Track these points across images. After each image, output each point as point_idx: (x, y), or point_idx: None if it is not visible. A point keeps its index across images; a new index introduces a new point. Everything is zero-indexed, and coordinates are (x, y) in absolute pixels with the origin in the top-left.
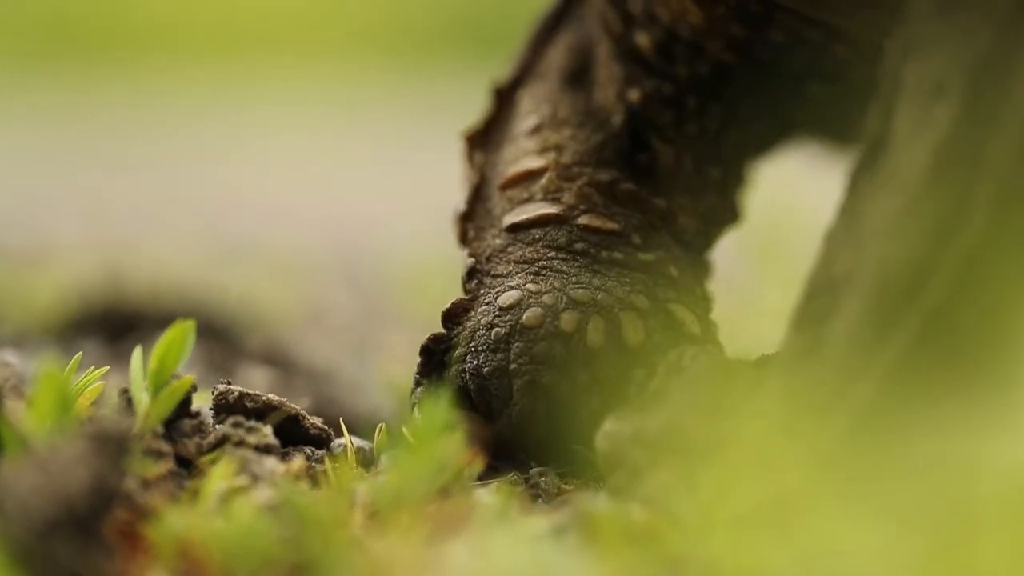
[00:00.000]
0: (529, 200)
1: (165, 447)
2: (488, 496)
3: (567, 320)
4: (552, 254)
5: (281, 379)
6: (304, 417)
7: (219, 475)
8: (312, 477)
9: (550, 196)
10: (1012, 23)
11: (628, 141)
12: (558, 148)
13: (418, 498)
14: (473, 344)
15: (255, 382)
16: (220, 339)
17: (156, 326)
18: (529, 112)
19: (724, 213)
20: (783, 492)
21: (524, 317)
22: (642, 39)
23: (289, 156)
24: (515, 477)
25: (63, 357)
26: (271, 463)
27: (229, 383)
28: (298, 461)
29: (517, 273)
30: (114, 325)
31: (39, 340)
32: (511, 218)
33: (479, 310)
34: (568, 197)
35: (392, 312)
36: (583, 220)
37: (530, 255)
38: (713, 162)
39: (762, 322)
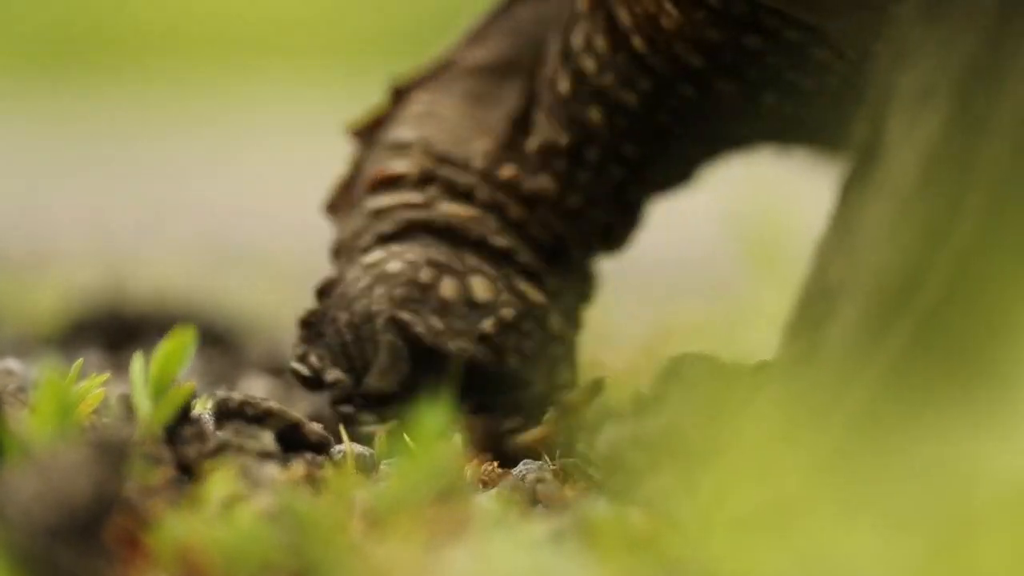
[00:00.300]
0: (395, 190)
1: (166, 453)
2: (488, 501)
3: (425, 273)
4: (413, 232)
5: (281, 387)
6: (304, 423)
7: (219, 481)
8: (313, 483)
9: (414, 187)
10: (998, 28)
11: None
12: (427, 146)
13: (418, 504)
14: (343, 300)
15: (256, 390)
16: (221, 347)
17: (157, 334)
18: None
19: (600, 239)
20: (781, 496)
21: (387, 267)
22: (564, 84)
23: (291, 163)
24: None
25: (64, 364)
26: (271, 469)
27: (230, 390)
28: (298, 467)
29: (380, 245)
30: (115, 332)
31: (40, 347)
32: (374, 203)
33: (347, 278)
34: (432, 189)
35: None
36: (443, 207)
37: (391, 229)
38: (602, 203)
39: (759, 326)
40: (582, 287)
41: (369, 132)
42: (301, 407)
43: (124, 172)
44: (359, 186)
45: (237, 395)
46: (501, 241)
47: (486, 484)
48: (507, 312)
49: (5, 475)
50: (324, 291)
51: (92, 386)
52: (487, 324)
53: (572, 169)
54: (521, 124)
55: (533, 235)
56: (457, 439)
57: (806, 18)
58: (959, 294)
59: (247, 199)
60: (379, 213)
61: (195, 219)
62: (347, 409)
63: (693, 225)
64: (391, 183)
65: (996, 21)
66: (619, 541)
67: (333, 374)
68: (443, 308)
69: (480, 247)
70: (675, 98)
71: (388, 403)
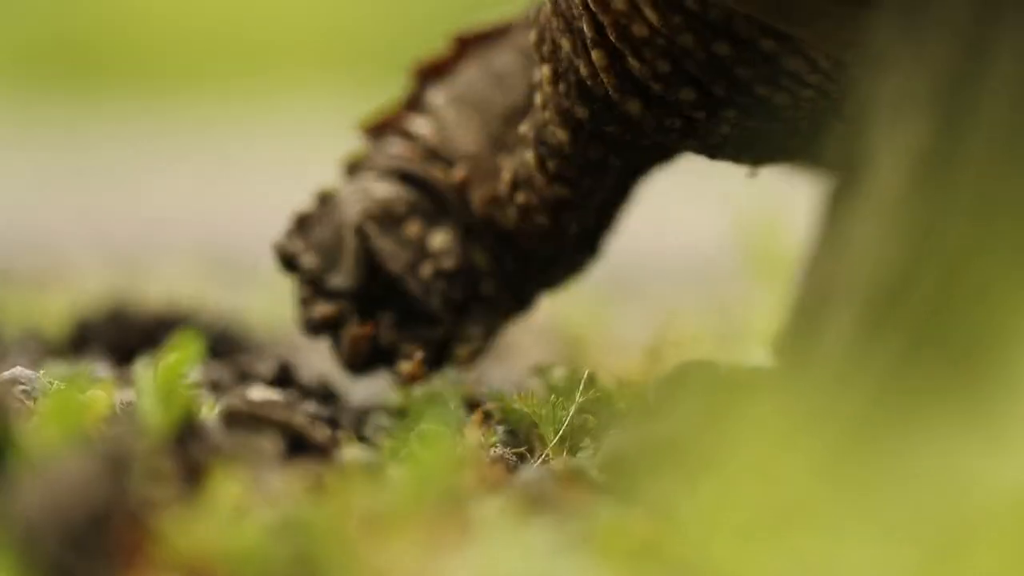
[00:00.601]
0: (410, 142)
1: (172, 462)
2: (491, 507)
3: (400, 208)
4: (409, 179)
5: (288, 396)
6: (311, 431)
7: (226, 490)
8: (319, 490)
9: (424, 151)
10: (975, 34)
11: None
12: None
13: (422, 510)
14: (333, 207)
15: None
16: (226, 356)
17: (163, 343)
18: (427, 111)
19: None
20: (781, 502)
21: (374, 191)
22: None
23: (297, 176)
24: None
25: (71, 373)
26: (278, 477)
27: (236, 398)
28: (305, 475)
29: (377, 176)
30: (121, 341)
31: (47, 356)
32: (390, 145)
33: (344, 191)
34: (434, 162)
35: None
36: (437, 174)
37: (392, 167)
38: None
39: (762, 333)
40: (544, 275)
41: (428, 74)
42: (308, 415)
43: (131, 183)
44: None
45: (244, 403)
46: (473, 219)
47: (490, 489)
48: (448, 263)
49: (13, 484)
50: (323, 199)
51: (99, 394)
52: (427, 266)
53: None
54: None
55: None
56: (462, 444)
57: (778, 26)
58: (952, 299)
59: (253, 213)
60: (390, 154)
61: (201, 230)
62: (309, 312)
63: (696, 232)
64: (409, 136)
65: (972, 27)
66: (623, 547)
67: (308, 259)
68: (403, 240)
69: (455, 215)
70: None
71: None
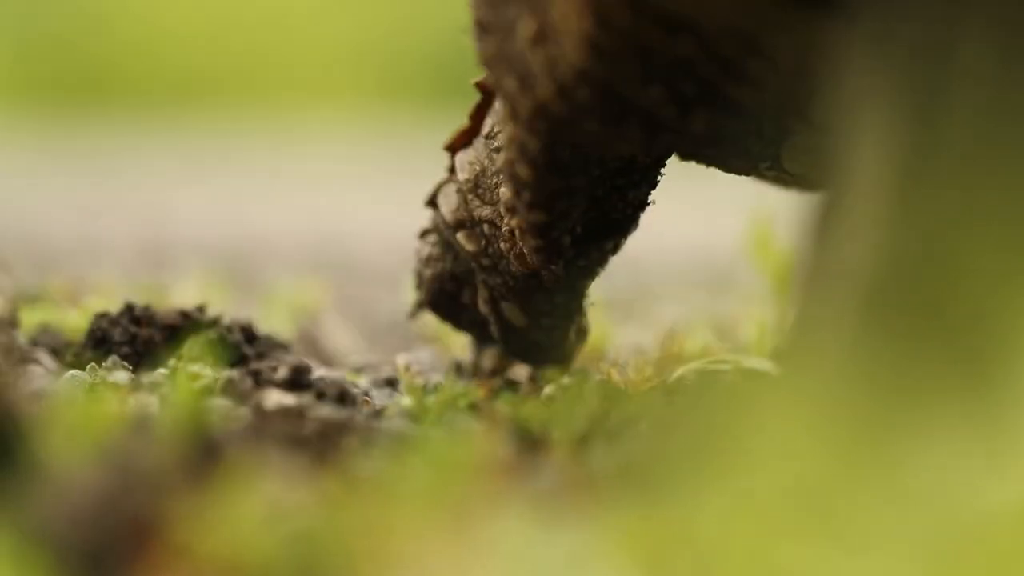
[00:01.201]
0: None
1: (191, 472)
2: (508, 515)
3: (449, 285)
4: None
5: (303, 399)
6: (331, 439)
7: (246, 500)
8: (339, 500)
9: (456, 195)
10: (943, 27)
11: None
12: (480, 167)
13: (436, 520)
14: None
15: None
16: (242, 364)
17: (180, 352)
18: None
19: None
20: (784, 512)
21: (427, 273)
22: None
23: (319, 197)
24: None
25: (89, 382)
26: (299, 487)
27: (254, 407)
28: (325, 483)
29: (436, 231)
30: (139, 351)
31: (66, 366)
32: (442, 196)
33: (421, 242)
34: (461, 211)
35: (419, 342)
36: (458, 236)
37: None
38: None
39: (774, 335)
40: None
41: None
42: (327, 422)
43: (155, 203)
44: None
45: (262, 412)
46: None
47: (503, 496)
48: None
49: (30, 495)
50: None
51: (117, 404)
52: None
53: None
54: None
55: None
56: (474, 450)
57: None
58: (947, 296)
59: (274, 233)
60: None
61: (222, 253)
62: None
63: (710, 232)
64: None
65: (941, 18)
66: (644, 552)
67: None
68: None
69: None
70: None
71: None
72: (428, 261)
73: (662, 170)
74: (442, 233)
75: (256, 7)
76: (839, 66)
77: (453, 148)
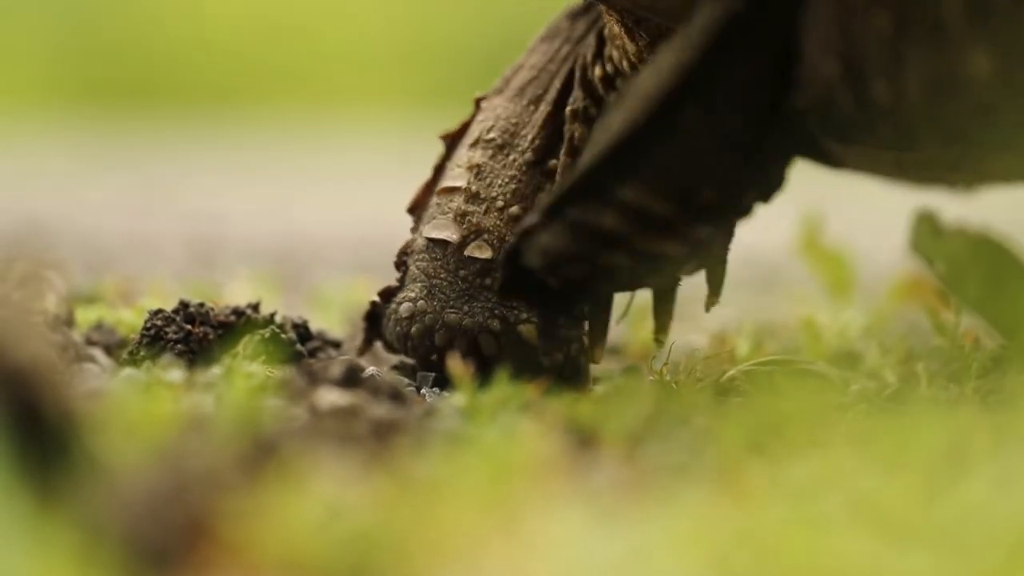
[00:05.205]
0: (445, 214)
1: (245, 470)
2: (561, 514)
3: (439, 337)
4: (443, 274)
5: (357, 398)
6: (385, 438)
7: (300, 499)
8: (393, 499)
9: (458, 218)
10: None
11: (539, 155)
12: (479, 170)
13: (497, 518)
14: (389, 325)
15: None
16: (295, 362)
17: (235, 350)
18: (478, 123)
19: None
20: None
21: (412, 329)
22: (598, 70)
23: (364, 198)
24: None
25: (145, 381)
26: (352, 487)
27: (308, 406)
28: (379, 482)
29: (418, 282)
30: (193, 349)
31: (121, 364)
32: (427, 230)
33: (394, 304)
34: (469, 224)
35: None
36: (469, 250)
37: (430, 270)
38: None
39: (827, 331)
40: None
41: (453, 138)
42: (379, 422)
43: (204, 204)
44: (435, 188)
45: (314, 411)
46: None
47: (558, 494)
48: (508, 364)
49: (87, 495)
50: (384, 295)
51: (171, 401)
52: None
53: None
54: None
55: None
56: (529, 450)
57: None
58: None
59: (322, 234)
60: (428, 238)
61: (271, 247)
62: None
63: (760, 233)
64: (450, 192)
65: None
66: (701, 549)
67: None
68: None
69: (492, 289)
70: None
71: None
72: (412, 319)
73: None
74: (428, 277)
75: (303, 12)
76: None
77: (414, 207)
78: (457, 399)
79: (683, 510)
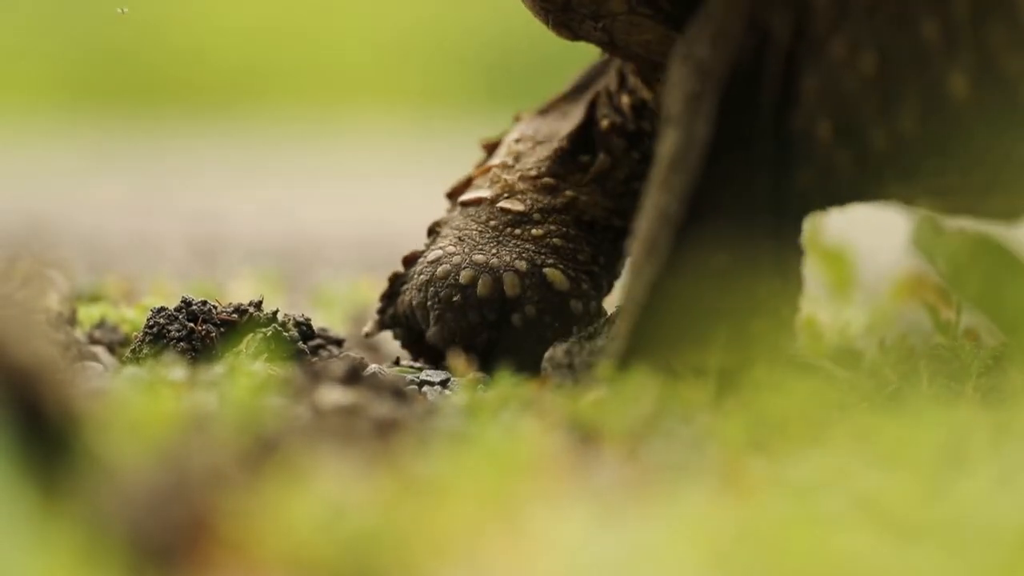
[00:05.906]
0: (479, 186)
1: (247, 468)
2: (563, 512)
3: (464, 275)
4: (473, 226)
5: (360, 396)
6: (387, 437)
7: (302, 497)
8: (395, 497)
9: (493, 181)
10: None
11: (573, 146)
12: (518, 155)
13: (500, 516)
14: (411, 284)
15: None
16: (302, 364)
17: (237, 348)
18: (518, 128)
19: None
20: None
21: (438, 270)
22: (624, 98)
23: (367, 197)
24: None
25: (147, 379)
26: (357, 487)
27: (310, 405)
28: (381, 480)
29: (448, 236)
30: (196, 347)
31: (123, 362)
32: (462, 197)
33: (420, 260)
34: (500, 185)
35: None
36: (501, 203)
37: (460, 224)
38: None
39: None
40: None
41: (493, 146)
42: (382, 421)
43: (206, 203)
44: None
45: (318, 411)
46: (537, 231)
47: (561, 492)
48: (530, 309)
49: (90, 493)
50: (408, 261)
51: (173, 400)
52: (516, 319)
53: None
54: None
55: (576, 212)
56: (531, 448)
57: None
58: None
59: (324, 235)
60: (462, 204)
61: (273, 246)
62: None
63: None
64: (486, 172)
65: None
66: (704, 546)
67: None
68: (480, 303)
69: (520, 238)
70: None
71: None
72: (438, 262)
73: None
74: (459, 230)
75: (305, 12)
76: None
77: (454, 193)
78: (459, 397)
79: (685, 508)
